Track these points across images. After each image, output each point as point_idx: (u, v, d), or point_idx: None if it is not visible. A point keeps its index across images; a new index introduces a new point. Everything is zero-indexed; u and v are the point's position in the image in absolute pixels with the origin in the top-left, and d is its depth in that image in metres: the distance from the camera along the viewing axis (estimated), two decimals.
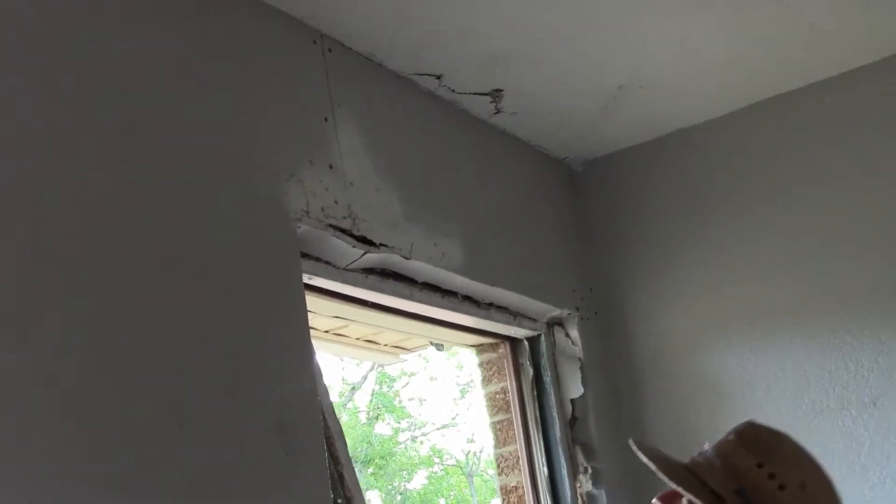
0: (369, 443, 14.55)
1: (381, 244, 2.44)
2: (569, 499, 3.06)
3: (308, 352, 2.10)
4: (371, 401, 15.33)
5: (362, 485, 2.19)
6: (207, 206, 1.97)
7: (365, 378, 15.11)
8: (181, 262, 1.86)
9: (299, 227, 2.20)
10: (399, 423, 15.42)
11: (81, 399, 1.60)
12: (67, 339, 1.61)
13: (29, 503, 1.47)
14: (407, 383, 15.49)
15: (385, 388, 15.57)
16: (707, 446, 1.70)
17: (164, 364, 1.76)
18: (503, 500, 3.15)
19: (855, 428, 2.94)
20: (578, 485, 3.08)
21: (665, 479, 1.66)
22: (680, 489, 1.62)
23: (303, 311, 2.14)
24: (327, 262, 2.35)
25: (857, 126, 3.09)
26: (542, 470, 3.09)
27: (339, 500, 2.11)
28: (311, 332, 2.54)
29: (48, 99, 1.71)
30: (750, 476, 1.61)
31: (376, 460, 14.64)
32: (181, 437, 1.74)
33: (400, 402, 15.45)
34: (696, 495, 1.61)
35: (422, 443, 15.78)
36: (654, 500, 1.73)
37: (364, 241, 2.39)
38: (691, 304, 3.25)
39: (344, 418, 15.20)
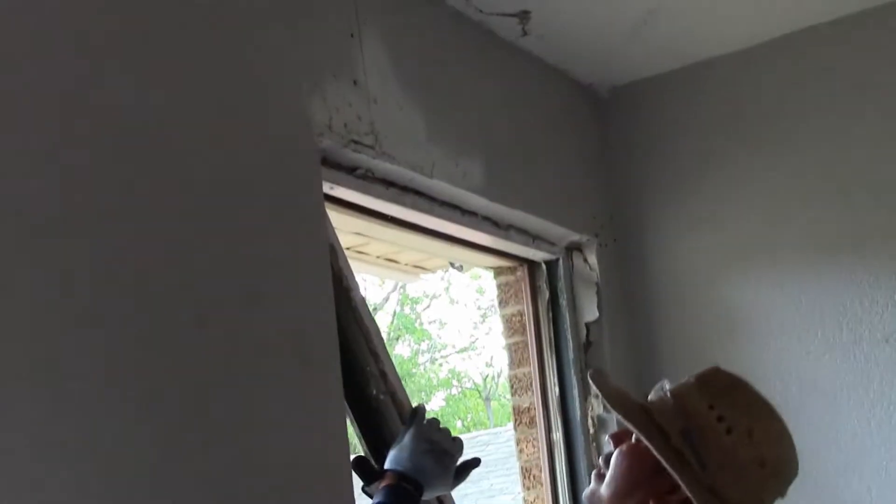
0: None
1: (402, 161, 2.45)
2: (579, 421, 3.10)
3: (325, 262, 2.12)
4: (392, 321, 15.48)
5: None
6: (229, 117, 1.97)
7: (387, 299, 15.25)
8: (200, 169, 1.87)
9: (321, 142, 2.22)
10: (419, 344, 15.58)
11: (101, 303, 1.63)
12: (88, 246, 1.64)
13: (46, 406, 1.52)
14: (428, 305, 15.62)
15: (407, 310, 15.71)
16: (667, 386, 1.69)
17: (182, 269, 1.78)
18: (515, 420, 3.21)
19: (866, 364, 2.96)
20: (589, 408, 3.12)
21: (616, 414, 1.67)
22: (628, 423, 1.63)
23: (322, 224, 2.16)
24: (348, 171, 2.36)
25: (884, 63, 3.06)
26: (554, 391, 3.14)
27: (382, 396, 2.15)
28: None
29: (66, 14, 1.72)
30: (699, 417, 1.60)
31: None
32: (199, 338, 1.77)
33: (420, 323, 15.60)
34: (642, 430, 1.60)
35: (441, 365, 15.97)
36: (606, 437, 1.75)
37: (386, 157, 2.40)
38: (711, 235, 3.26)
39: None
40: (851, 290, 3.01)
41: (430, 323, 15.86)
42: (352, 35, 2.40)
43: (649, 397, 1.70)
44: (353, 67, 2.38)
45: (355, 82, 2.37)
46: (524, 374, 3.18)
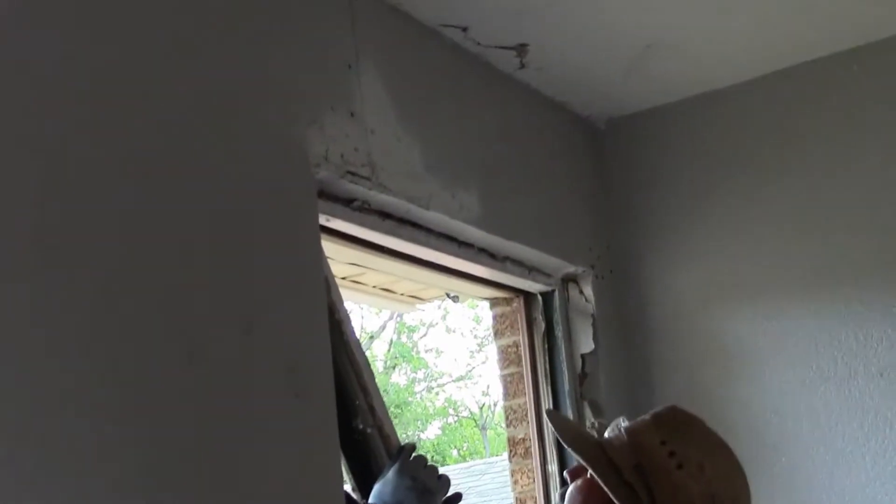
0: (385, 391, 14.67)
1: (399, 193, 2.46)
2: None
3: (321, 294, 2.13)
4: (389, 350, 15.46)
5: None
6: (226, 147, 1.99)
7: (384, 327, 15.24)
8: (195, 200, 1.89)
9: (318, 173, 2.22)
10: (416, 372, 15.56)
11: (93, 331, 1.63)
12: (82, 271, 1.64)
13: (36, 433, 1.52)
14: (425, 334, 15.61)
15: (404, 338, 15.70)
16: (623, 423, 1.74)
17: (178, 301, 1.79)
18: (510, 451, 3.20)
19: (861, 397, 2.96)
20: None
21: (569, 449, 1.72)
22: (580, 458, 1.67)
23: (318, 255, 2.17)
24: (344, 203, 2.37)
25: (882, 98, 3.08)
26: (549, 424, 3.13)
27: (370, 430, 2.15)
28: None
29: (60, 39, 1.73)
30: (651, 452, 1.65)
31: (391, 409, 14.78)
32: (191, 373, 1.78)
33: (417, 352, 15.58)
34: (594, 465, 1.65)
35: (437, 394, 15.93)
36: (564, 473, 1.78)
37: (382, 189, 2.41)
38: (706, 267, 3.26)
39: None
40: (847, 323, 3.01)
41: (426, 351, 15.85)
42: (349, 66, 2.42)
43: (605, 434, 1.74)
44: (351, 99, 2.39)
45: (352, 114, 2.38)
46: (519, 406, 3.17)
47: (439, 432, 15.77)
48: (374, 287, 3.40)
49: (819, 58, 3.17)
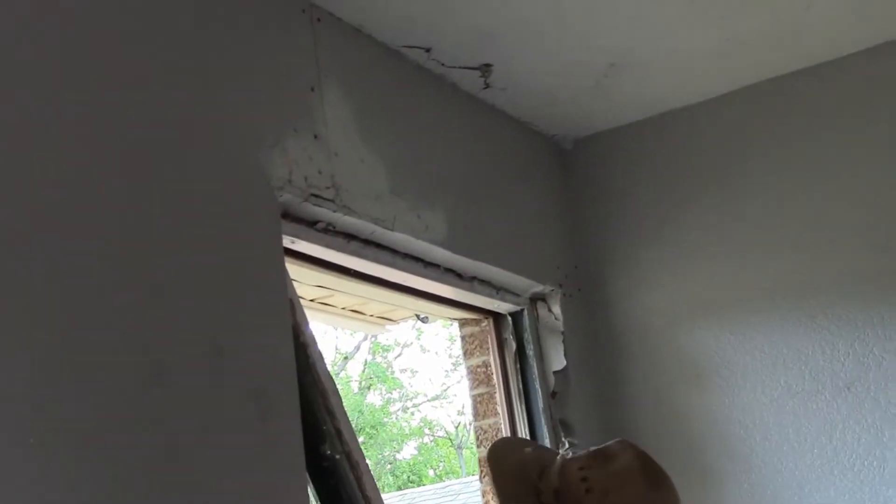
0: (360, 412, 14.62)
1: (363, 215, 2.45)
2: None
3: (286, 316, 2.12)
4: (364, 370, 15.41)
5: None
6: (188, 170, 1.98)
7: (358, 348, 15.19)
8: (159, 225, 1.87)
9: (281, 196, 2.21)
10: (391, 392, 15.50)
11: (58, 357, 1.62)
12: (47, 294, 1.63)
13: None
14: (400, 354, 15.56)
15: (379, 359, 15.64)
16: (567, 454, 1.97)
17: (143, 326, 1.77)
18: (482, 471, 3.19)
19: (829, 411, 2.98)
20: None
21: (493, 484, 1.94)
22: (494, 486, 1.91)
23: (282, 278, 2.16)
24: (309, 225, 2.36)
25: (846, 115, 3.11)
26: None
27: (338, 455, 2.14)
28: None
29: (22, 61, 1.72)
30: (569, 479, 1.86)
31: (367, 430, 14.72)
32: (157, 398, 1.76)
33: (392, 372, 15.53)
34: (519, 494, 1.87)
35: (413, 414, 15.87)
36: None
37: (347, 210, 2.40)
38: (674, 284, 3.28)
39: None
40: (813, 338, 3.03)
41: (401, 371, 15.79)
42: (312, 89, 2.41)
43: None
44: (314, 121, 2.39)
45: (316, 136, 2.38)
46: (490, 426, 3.16)
47: (415, 452, 15.70)
48: (343, 309, 3.38)
49: (783, 75, 3.20)
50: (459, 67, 2.90)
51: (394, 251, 2.66)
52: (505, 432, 3.12)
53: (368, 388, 15.28)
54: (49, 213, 1.67)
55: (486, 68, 2.93)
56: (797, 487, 2.97)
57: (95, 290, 1.71)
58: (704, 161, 3.31)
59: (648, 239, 3.34)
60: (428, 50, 2.79)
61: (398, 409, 15.66)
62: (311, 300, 3.13)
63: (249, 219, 2.11)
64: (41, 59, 1.74)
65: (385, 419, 15.27)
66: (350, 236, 2.51)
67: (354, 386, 15.25)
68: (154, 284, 1.83)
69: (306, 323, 2.21)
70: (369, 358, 15.49)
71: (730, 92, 3.27)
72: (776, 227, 3.16)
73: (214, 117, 2.09)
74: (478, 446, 3.21)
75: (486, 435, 3.17)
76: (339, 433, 2.15)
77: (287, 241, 2.28)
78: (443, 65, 2.87)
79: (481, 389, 3.20)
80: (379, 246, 2.60)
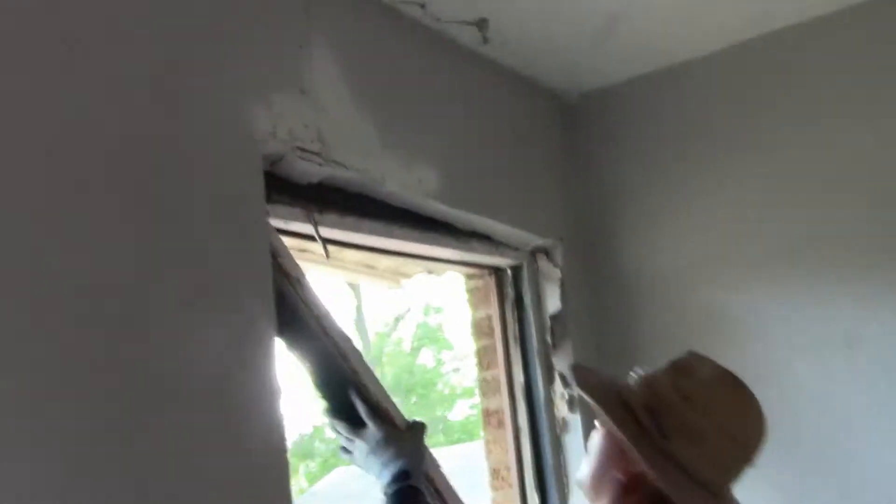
0: (411, 372, 14.77)
1: (351, 168, 2.48)
2: (545, 423, 3.13)
3: (266, 281, 2.13)
4: (415, 331, 15.53)
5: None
6: (169, 122, 2.00)
7: (409, 308, 15.31)
8: (137, 179, 1.91)
9: (265, 149, 2.23)
10: (441, 354, 15.61)
11: (29, 313, 1.67)
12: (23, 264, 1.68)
13: None
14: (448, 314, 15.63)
15: (431, 320, 15.75)
16: (640, 371, 1.80)
17: (117, 282, 1.81)
18: (484, 422, 3.24)
19: (832, 367, 2.97)
20: (556, 409, 3.15)
21: (581, 392, 1.82)
22: (588, 398, 1.76)
23: (265, 230, 2.18)
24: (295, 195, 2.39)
25: (851, 69, 3.07)
26: (522, 394, 3.17)
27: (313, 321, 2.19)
28: (308, 256, 2.60)
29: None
30: (662, 391, 1.72)
31: (418, 390, 14.87)
32: (136, 340, 1.81)
33: (443, 333, 15.63)
34: (602, 405, 1.72)
35: (464, 374, 15.96)
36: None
37: (334, 165, 2.44)
38: (678, 240, 3.29)
39: (388, 348, 15.44)
40: (817, 294, 3.03)
41: (453, 332, 15.87)
42: (300, 46, 2.44)
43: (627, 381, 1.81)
44: (301, 76, 2.41)
45: (302, 91, 2.40)
46: (493, 377, 3.21)
47: (471, 412, 15.78)
48: (355, 263, 3.43)
49: (789, 26, 3.17)
50: (456, 22, 2.90)
51: (389, 219, 2.68)
52: (504, 384, 3.17)
53: (420, 348, 15.40)
54: (28, 199, 1.72)
55: (482, 23, 2.92)
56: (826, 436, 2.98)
57: (67, 236, 1.75)
58: (711, 117, 3.29)
59: (653, 195, 3.34)
60: (423, 6, 2.80)
61: (450, 370, 15.76)
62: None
63: (231, 172, 2.13)
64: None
65: (437, 379, 15.39)
66: (339, 190, 2.53)
67: (406, 346, 15.39)
68: (133, 234, 1.87)
69: (316, 297, 2.22)
70: (421, 318, 15.61)
71: (737, 44, 3.25)
72: (783, 184, 3.14)
73: (198, 72, 2.10)
74: (481, 397, 3.26)
75: (490, 386, 3.22)
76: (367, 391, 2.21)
77: (280, 223, 2.32)
78: (439, 20, 2.87)
79: (484, 341, 3.24)
80: (374, 218, 2.63)
